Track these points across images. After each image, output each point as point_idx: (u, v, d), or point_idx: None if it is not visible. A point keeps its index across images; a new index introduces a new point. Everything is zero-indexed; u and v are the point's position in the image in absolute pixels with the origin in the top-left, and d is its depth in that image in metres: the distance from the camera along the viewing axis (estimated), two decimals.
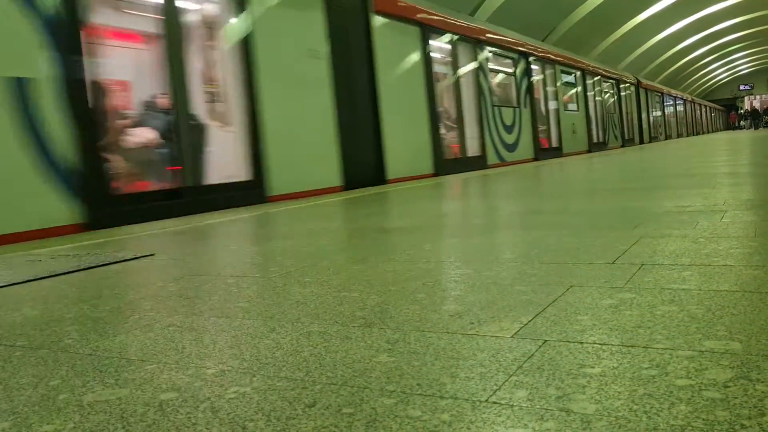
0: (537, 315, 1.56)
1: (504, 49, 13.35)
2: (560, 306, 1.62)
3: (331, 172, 7.79)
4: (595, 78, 19.84)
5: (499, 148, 12.54)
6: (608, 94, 21.24)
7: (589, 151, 18.11)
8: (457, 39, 11.39)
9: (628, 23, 28.64)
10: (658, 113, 29.59)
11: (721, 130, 54.00)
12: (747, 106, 59.02)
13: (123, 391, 1.24)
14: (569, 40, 23.49)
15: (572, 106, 17.66)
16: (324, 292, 2.00)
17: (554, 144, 15.82)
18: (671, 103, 33.49)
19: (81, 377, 1.35)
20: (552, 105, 15.92)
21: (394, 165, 9.03)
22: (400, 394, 1.12)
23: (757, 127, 41.82)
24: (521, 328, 1.46)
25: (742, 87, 64.79)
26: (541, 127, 15.09)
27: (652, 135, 27.20)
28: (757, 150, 10.65)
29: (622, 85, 22.97)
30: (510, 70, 13.71)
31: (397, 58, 9.51)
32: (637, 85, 25.23)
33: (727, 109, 60.62)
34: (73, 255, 3.35)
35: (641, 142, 25.02)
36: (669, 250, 2.27)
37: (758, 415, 0.94)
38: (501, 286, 1.91)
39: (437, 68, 10.96)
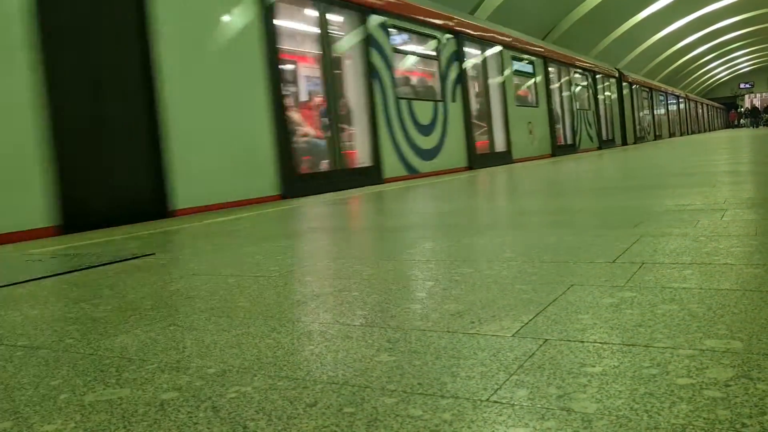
0: (538, 314, 1.56)
1: (417, 23, 9.84)
2: (561, 305, 1.62)
3: (22, 206, 4.56)
4: (562, 68, 16.48)
5: (408, 155, 9.21)
6: (581, 88, 17.97)
7: (552, 155, 14.87)
8: (330, 4, 8.01)
9: (628, 21, 28.66)
10: (646, 111, 26.11)
11: (720, 129, 53.87)
12: (747, 104, 59.01)
13: (124, 390, 1.24)
14: (569, 39, 23.50)
15: (529, 101, 14.33)
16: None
17: (500, 148, 12.36)
18: (662, 99, 29.96)
19: (82, 377, 1.35)
20: (497, 99, 12.43)
21: (190, 187, 5.77)
22: (401, 393, 1.12)
23: (757, 126, 41.82)
24: (522, 327, 1.46)
25: (742, 85, 64.79)
26: (481, 127, 11.80)
27: (638, 135, 23.87)
28: (757, 148, 10.65)
29: (599, 78, 19.62)
30: (430, 53, 10.36)
31: (204, 23, 6.08)
32: (620, 78, 21.91)
33: (727, 108, 60.58)
34: (73, 254, 3.36)
35: (624, 143, 21.79)
36: (669, 249, 2.27)
37: (759, 414, 0.94)
38: (501, 285, 1.91)
39: (291, 43, 8.06)
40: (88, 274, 2.71)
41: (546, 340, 1.36)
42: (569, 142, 16.41)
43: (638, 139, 23.63)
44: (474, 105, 11.70)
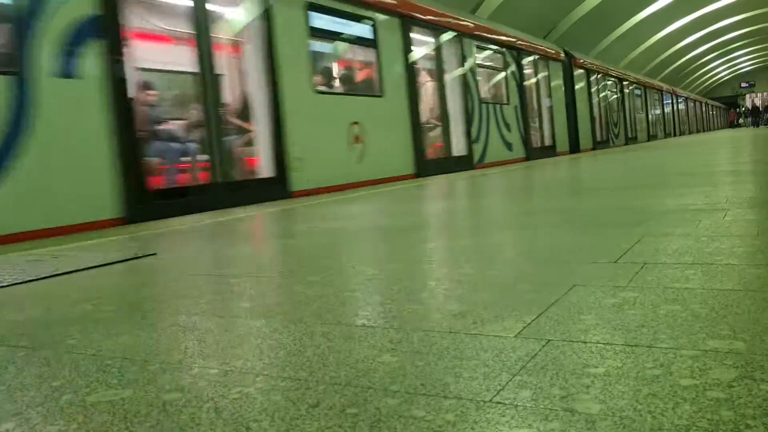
0: (540, 314, 1.55)
1: None
2: (563, 305, 1.62)
3: None
4: (447, 37, 10.47)
5: None
6: (491, 71, 12.38)
7: (417, 175, 9.21)
8: None
9: (629, 21, 28.66)
10: (614, 107, 20.53)
11: (720, 129, 53.73)
12: (748, 103, 59.00)
13: (126, 391, 1.24)
14: (570, 38, 23.48)
15: (363, 86, 8.87)
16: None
17: (263, 171, 6.75)
18: (639, 93, 24.31)
19: (84, 378, 1.35)
20: (259, 79, 6.74)
21: None
22: (403, 394, 1.12)
23: (757, 125, 41.78)
24: (524, 327, 1.46)
25: (743, 85, 64.77)
26: (187, 134, 6.88)
27: (599, 139, 18.38)
28: (758, 148, 10.64)
29: (530, 60, 14.03)
30: None
31: None
32: (569, 62, 16.58)
33: (728, 107, 60.53)
34: (75, 255, 3.35)
35: (575, 150, 16.33)
36: (671, 249, 2.27)
37: (763, 415, 0.93)
38: (504, 286, 1.90)
39: None
40: (90, 273, 2.70)
41: (549, 340, 1.35)
42: (459, 153, 10.58)
43: (599, 144, 18.32)
44: (161, 88, 6.91)
